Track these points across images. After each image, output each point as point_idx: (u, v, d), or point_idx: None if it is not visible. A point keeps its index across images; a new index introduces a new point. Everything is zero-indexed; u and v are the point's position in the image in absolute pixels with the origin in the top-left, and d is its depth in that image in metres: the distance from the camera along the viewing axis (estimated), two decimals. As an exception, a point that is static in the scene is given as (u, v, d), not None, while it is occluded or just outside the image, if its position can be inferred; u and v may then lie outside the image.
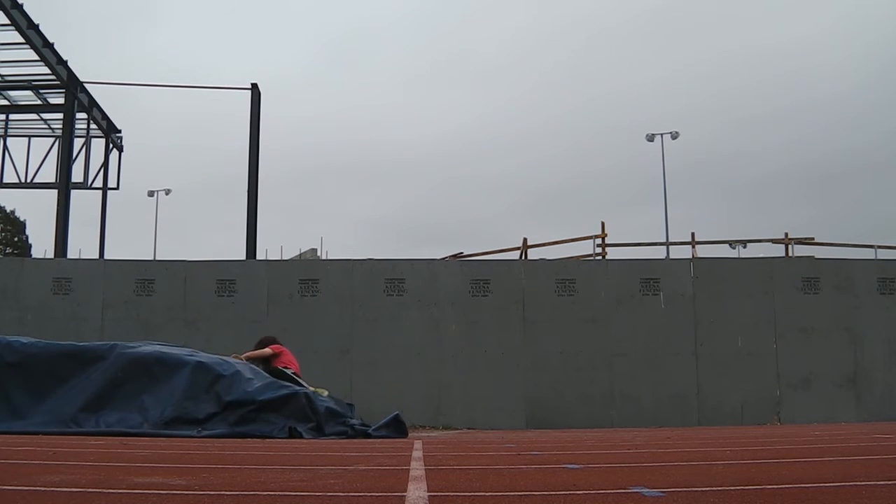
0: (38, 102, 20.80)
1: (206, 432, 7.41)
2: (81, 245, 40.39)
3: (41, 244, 40.37)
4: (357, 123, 79.95)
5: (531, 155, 74.29)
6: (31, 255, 31.59)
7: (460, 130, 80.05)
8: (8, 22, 16.86)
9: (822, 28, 72.00)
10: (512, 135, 76.89)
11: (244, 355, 9.18)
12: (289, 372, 8.96)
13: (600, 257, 16.92)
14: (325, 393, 8.70)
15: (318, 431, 7.63)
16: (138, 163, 62.54)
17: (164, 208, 62.32)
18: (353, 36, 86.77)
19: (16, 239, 38.54)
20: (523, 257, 17.26)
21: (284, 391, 7.85)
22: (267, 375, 8.44)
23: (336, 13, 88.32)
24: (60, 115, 20.06)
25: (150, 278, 11.89)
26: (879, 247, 17.32)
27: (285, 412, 7.66)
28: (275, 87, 78.44)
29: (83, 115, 20.92)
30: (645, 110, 68.44)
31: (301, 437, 7.35)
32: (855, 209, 58.48)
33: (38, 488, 2.91)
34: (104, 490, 2.89)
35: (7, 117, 22.08)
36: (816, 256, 14.26)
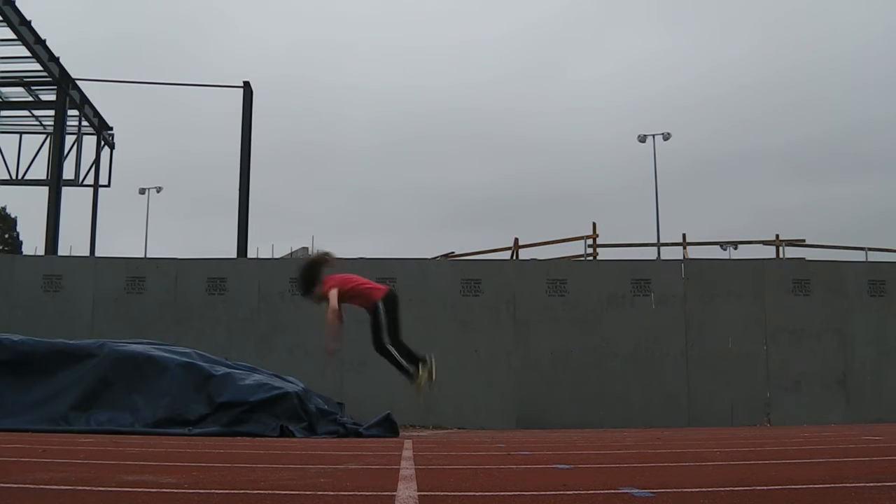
0: (30, 99, 20.71)
1: (196, 430, 7.41)
2: (72, 242, 40.20)
3: (32, 241, 40.20)
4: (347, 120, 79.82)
5: (529, 157, 74.37)
6: (21, 252, 31.45)
7: (456, 129, 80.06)
8: (0, 18, 16.79)
9: (829, 28, 72.29)
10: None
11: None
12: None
13: (591, 258, 16.93)
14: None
15: (310, 431, 7.65)
16: (130, 160, 62.32)
17: (155, 206, 62.13)
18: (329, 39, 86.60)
19: (6, 236, 38.34)
20: (514, 257, 17.25)
21: (276, 391, 7.85)
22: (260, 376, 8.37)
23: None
24: (52, 112, 19.98)
25: (140, 276, 11.85)
26: (870, 249, 17.37)
27: (277, 412, 7.68)
28: (272, 84, 78.27)
29: (75, 112, 20.83)
30: (638, 113, 68.59)
31: (293, 436, 7.36)
32: (846, 211, 58.73)
33: (28, 486, 2.90)
34: (94, 488, 2.88)
35: (-2, 113, 21.99)
36: (807, 258, 14.28)
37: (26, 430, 7.25)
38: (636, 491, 2.81)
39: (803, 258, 14.63)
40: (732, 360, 11.55)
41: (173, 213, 64.39)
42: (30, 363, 8.10)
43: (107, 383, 8.00)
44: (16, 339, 8.33)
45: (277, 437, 7.28)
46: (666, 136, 34.93)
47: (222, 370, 8.15)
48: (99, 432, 7.32)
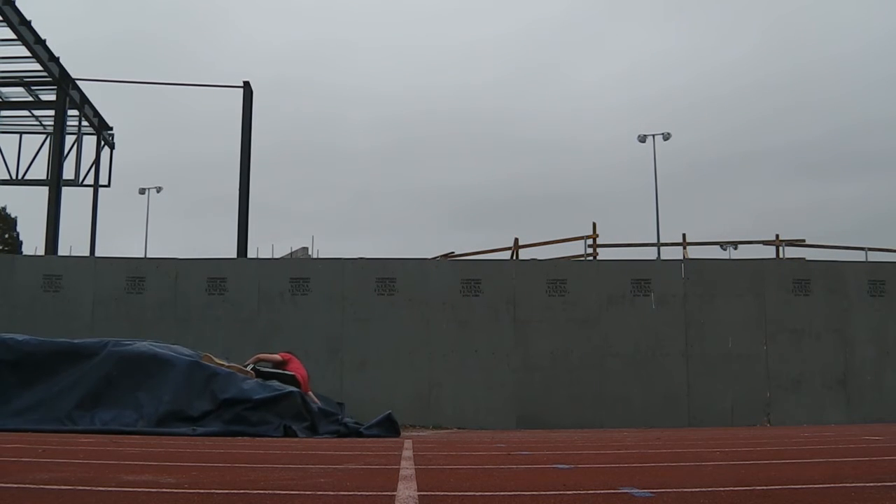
0: (30, 99, 20.71)
1: (200, 430, 7.41)
2: (72, 242, 40.22)
3: (32, 241, 40.22)
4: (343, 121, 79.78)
5: (529, 157, 74.35)
6: (21, 252, 31.45)
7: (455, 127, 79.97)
8: (0, 18, 16.79)
9: (831, 28, 72.25)
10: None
11: (257, 356, 9.44)
12: (290, 374, 8.96)
13: (591, 258, 16.92)
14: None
15: (313, 430, 7.67)
16: (130, 160, 62.28)
17: (155, 206, 62.12)
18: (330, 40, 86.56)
19: (6, 236, 38.31)
20: (514, 257, 17.25)
21: (279, 391, 7.88)
22: (261, 380, 8.41)
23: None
24: (52, 112, 19.98)
25: (140, 276, 11.84)
26: (870, 249, 17.37)
27: (280, 411, 7.70)
28: (272, 84, 78.22)
29: (75, 112, 20.83)
30: (638, 113, 68.59)
31: (296, 435, 7.37)
32: (846, 211, 58.76)
33: (27, 486, 2.90)
34: (94, 488, 2.88)
35: (-2, 113, 21.98)
36: (807, 258, 14.28)
37: (32, 430, 7.25)
38: (636, 491, 2.81)
39: (803, 258, 14.63)
40: (732, 360, 11.55)
41: (173, 213, 64.44)
42: (34, 363, 8.11)
43: (111, 381, 8.01)
44: (21, 339, 8.34)
45: (281, 436, 7.29)
46: (666, 136, 34.96)
47: (226, 369, 8.17)
48: (104, 432, 7.33)
